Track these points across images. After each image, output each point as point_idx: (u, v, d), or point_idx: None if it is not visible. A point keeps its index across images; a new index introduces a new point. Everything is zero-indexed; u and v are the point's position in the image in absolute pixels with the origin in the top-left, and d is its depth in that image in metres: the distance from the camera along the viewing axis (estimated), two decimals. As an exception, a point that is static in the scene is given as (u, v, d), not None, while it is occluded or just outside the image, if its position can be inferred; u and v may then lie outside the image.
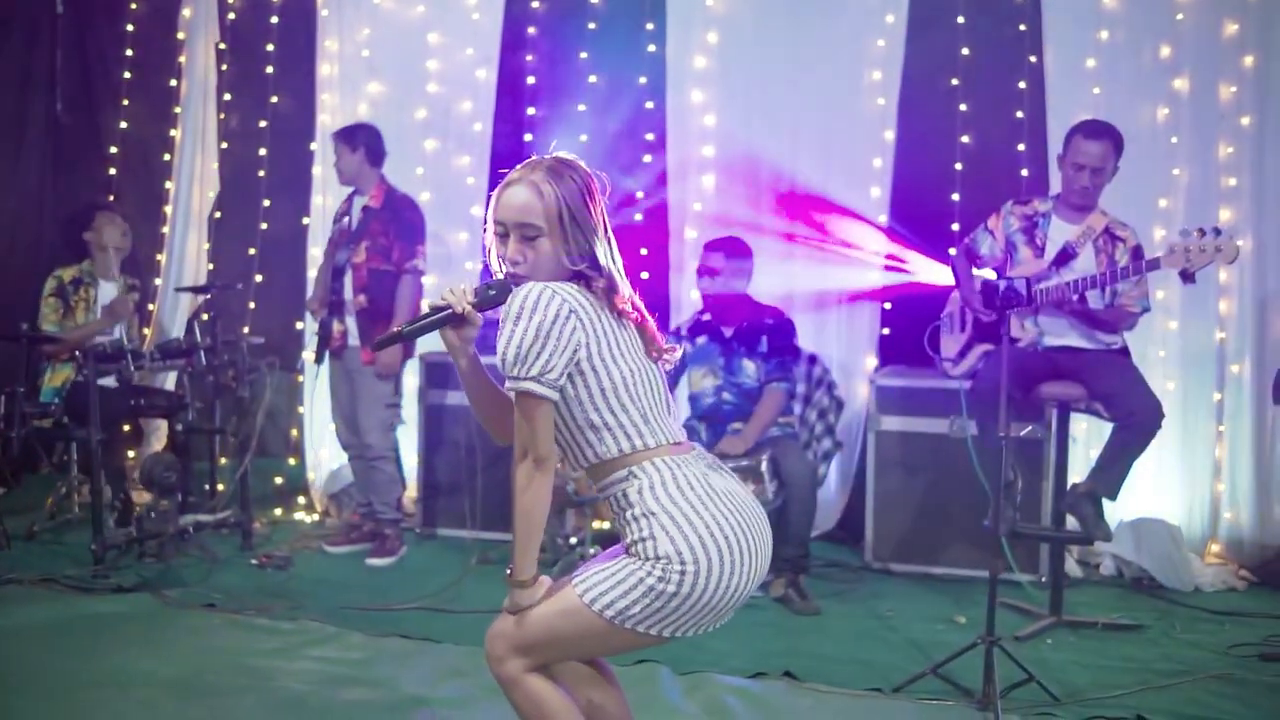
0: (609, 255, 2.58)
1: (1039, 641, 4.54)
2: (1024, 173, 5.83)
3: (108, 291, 6.01)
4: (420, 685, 3.98)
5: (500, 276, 2.60)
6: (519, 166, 2.59)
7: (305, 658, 4.19)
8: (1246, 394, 5.59)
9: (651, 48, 6.33)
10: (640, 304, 2.64)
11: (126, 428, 6.53)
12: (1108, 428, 4.79)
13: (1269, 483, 5.58)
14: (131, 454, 6.58)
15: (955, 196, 5.94)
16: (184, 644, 4.31)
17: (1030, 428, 4.69)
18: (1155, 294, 5.08)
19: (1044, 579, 5.23)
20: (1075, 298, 4.54)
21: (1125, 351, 4.78)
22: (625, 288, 2.59)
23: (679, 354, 2.74)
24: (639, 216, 6.34)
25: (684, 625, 2.51)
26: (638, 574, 2.47)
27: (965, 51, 5.93)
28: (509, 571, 2.56)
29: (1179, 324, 5.66)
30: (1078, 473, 5.03)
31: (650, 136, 6.35)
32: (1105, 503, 4.60)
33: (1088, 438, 5.60)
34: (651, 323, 2.66)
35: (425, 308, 2.64)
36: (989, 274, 4.72)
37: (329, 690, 3.91)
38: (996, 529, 3.89)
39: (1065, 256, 4.68)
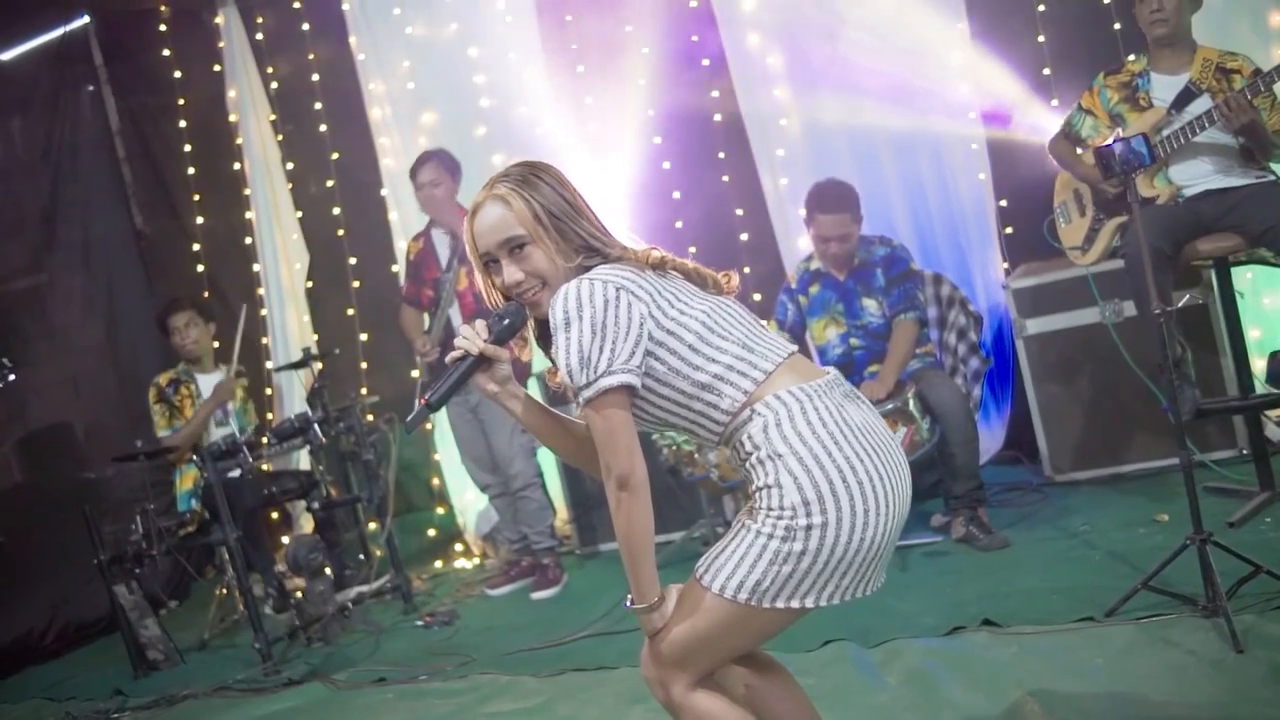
0: (604, 237, 2.36)
1: (1256, 523, 4.12)
2: (1116, 26, 5.31)
3: (209, 384, 5.92)
4: (609, 714, 3.75)
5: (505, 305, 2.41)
6: (482, 188, 2.39)
7: (482, 716, 3.99)
8: None
9: (694, 3, 6.01)
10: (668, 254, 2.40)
11: (275, 515, 6.47)
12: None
13: None
14: (285, 540, 6.53)
15: (1047, 71, 5.49)
16: (358, 728, 4.17)
17: (1187, 296, 4.22)
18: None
19: (1244, 451, 4.78)
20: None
21: (1277, 182, 4.28)
22: (642, 245, 2.39)
23: (735, 280, 2.48)
24: (726, 179, 6.03)
25: (827, 589, 2.23)
26: (760, 540, 2.21)
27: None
28: (629, 601, 2.33)
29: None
30: (1256, 331, 4.57)
31: (716, 94, 6.03)
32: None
33: (1255, 289, 5.11)
34: (691, 262, 2.43)
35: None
36: (1113, 137, 4.28)
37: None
38: (1179, 414, 3.46)
39: (1187, 96, 4.19)
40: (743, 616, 2.25)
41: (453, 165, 5.50)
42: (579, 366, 2.20)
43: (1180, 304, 4.10)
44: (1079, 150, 4.59)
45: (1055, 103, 5.43)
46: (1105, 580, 3.85)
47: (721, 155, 6.05)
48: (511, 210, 2.32)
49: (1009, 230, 5.63)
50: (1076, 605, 3.69)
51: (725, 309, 2.36)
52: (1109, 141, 3.67)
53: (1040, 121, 5.45)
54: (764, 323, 2.43)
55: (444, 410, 5.55)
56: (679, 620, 2.31)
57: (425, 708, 4.20)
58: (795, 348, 2.38)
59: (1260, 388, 4.34)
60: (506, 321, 2.39)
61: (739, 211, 6.04)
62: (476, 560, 6.28)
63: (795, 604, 2.23)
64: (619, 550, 2.31)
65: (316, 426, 5.34)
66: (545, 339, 2.48)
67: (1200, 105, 4.15)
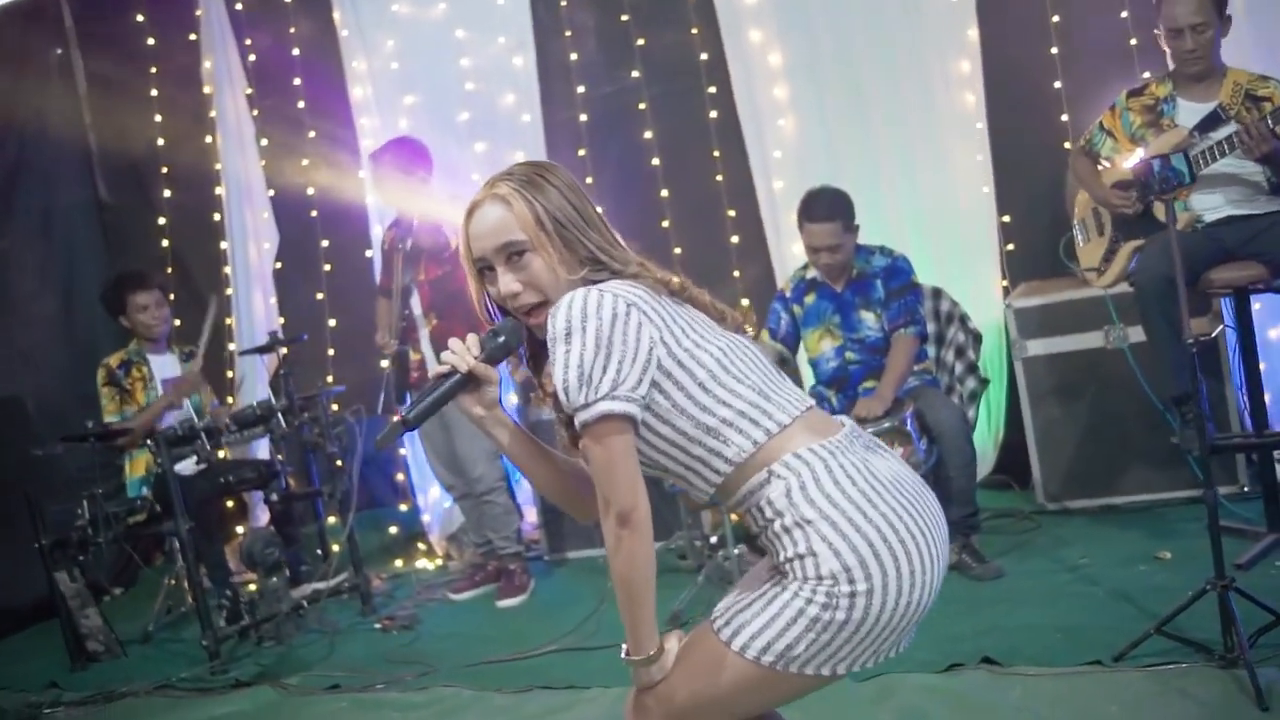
0: (613, 250, 2.12)
1: (1266, 566, 3.93)
2: (1133, 41, 5.14)
3: (163, 366, 5.63)
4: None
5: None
6: (482, 187, 2.15)
7: (440, 734, 3.77)
8: None
9: (694, -6, 5.80)
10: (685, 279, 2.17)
11: (230, 504, 6.19)
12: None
13: None
14: (241, 530, 6.25)
15: (1057, 84, 5.29)
16: (309, 739, 3.91)
17: (1220, 328, 4.01)
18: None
19: (1245, 488, 4.61)
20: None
21: None
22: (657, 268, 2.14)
23: (752, 321, 2.24)
24: (719, 178, 5.80)
25: (860, 656, 2.00)
26: (795, 603, 1.96)
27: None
28: (624, 652, 2.07)
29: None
30: (1262, 364, 4.38)
31: (713, 90, 5.80)
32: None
33: (1260, 321, 4.92)
34: (709, 295, 2.19)
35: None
36: (1135, 156, 4.08)
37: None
38: (1202, 449, 3.26)
39: (1214, 121, 3.99)
40: (763, 681, 2.01)
41: (410, 155, 5.22)
42: (577, 384, 1.95)
43: (1213, 334, 3.90)
44: (1099, 167, 4.39)
45: (1065, 117, 5.24)
46: (1109, 620, 3.65)
47: (716, 154, 5.82)
48: (512, 213, 2.08)
49: (1010, 247, 5.44)
50: (1082, 647, 3.47)
51: (743, 349, 2.12)
52: (1146, 157, 3.46)
53: (1049, 137, 5.27)
54: (782, 373, 2.18)
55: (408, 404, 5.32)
56: (683, 675, 2.06)
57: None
58: (812, 401, 2.15)
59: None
60: (501, 339, 2.14)
61: (731, 213, 5.81)
62: (439, 562, 6.02)
63: (826, 671, 1.99)
64: (615, 594, 2.03)
65: (280, 415, 5.07)
66: (536, 360, 2.24)
67: (1225, 131, 3.95)
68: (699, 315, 2.13)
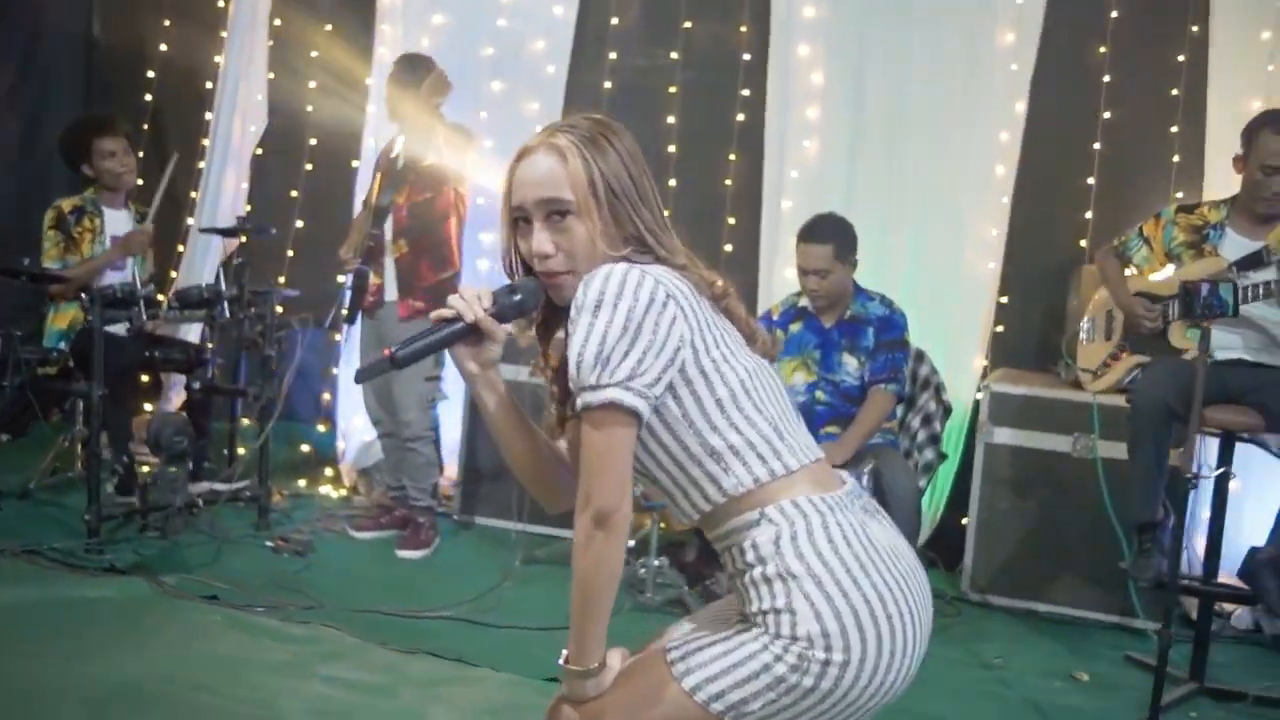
0: (661, 235, 1.94)
1: (1181, 715, 3.82)
2: (1175, 159, 5.05)
3: (117, 222, 5.34)
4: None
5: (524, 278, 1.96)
6: (539, 131, 1.95)
7: (317, 677, 3.54)
8: None
9: (755, -9, 5.61)
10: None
11: (145, 378, 5.90)
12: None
13: None
14: (148, 407, 5.96)
15: (1090, 180, 5.18)
16: (176, 648, 3.67)
17: (1223, 470, 3.89)
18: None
19: (1170, 629, 4.51)
20: None
21: None
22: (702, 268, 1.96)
23: (780, 347, 2.06)
24: (729, 182, 5.62)
25: None
26: (763, 656, 1.79)
27: (1115, 14, 5.14)
28: (564, 658, 1.88)
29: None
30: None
31: (746, 92, 5.61)
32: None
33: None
34: (744, 308, 2.01)
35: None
36: (1165, 272, 3.96)
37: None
38: (1171, 587, 3.13)
39: (1255, 261, 3.86)
40: None
41: (413, 68, 4.98)
42: (593, 361, 1.77)
43: (1216, 473, 3.78)
44: (1127, 272, 4.28)
45: (1089, 215, 5.14)
46: (1020, 730, 3.53)
47: (732, 157, 5.63)
48: (566, 169, 1.89)
49: (1000, 329, 5.31)
50: (991, 751, 3.34)
51: (769, 377, 1.95)
52: (1185, 279, 3.33)
53: (1068, 230, 5.16)
54: (800, 416, 2.00)
55: (357, 327, 5.10)
56: (621, 697, 1.88)
57: (254, 646, 3.74)
58: (822, 454, 1.98)
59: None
60: (518, 298, 1.94)
61: (731, 220, 5.64)
62: (344, 492, 5.80)
63: None
64: (572, 594, 1.84)
65: (226, 303, 4.81)
66: (547, 326, 2.05)
67: (1263, 275, 3.83)
68: (731, 329, 1.96)
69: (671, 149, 5.67)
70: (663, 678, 1.85)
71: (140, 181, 5.61)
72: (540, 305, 1.98)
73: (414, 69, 4.97)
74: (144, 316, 4.72)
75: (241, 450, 5.45)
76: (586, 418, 1.80)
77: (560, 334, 2.00)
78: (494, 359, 1.98)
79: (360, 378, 1.93)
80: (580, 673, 1.87)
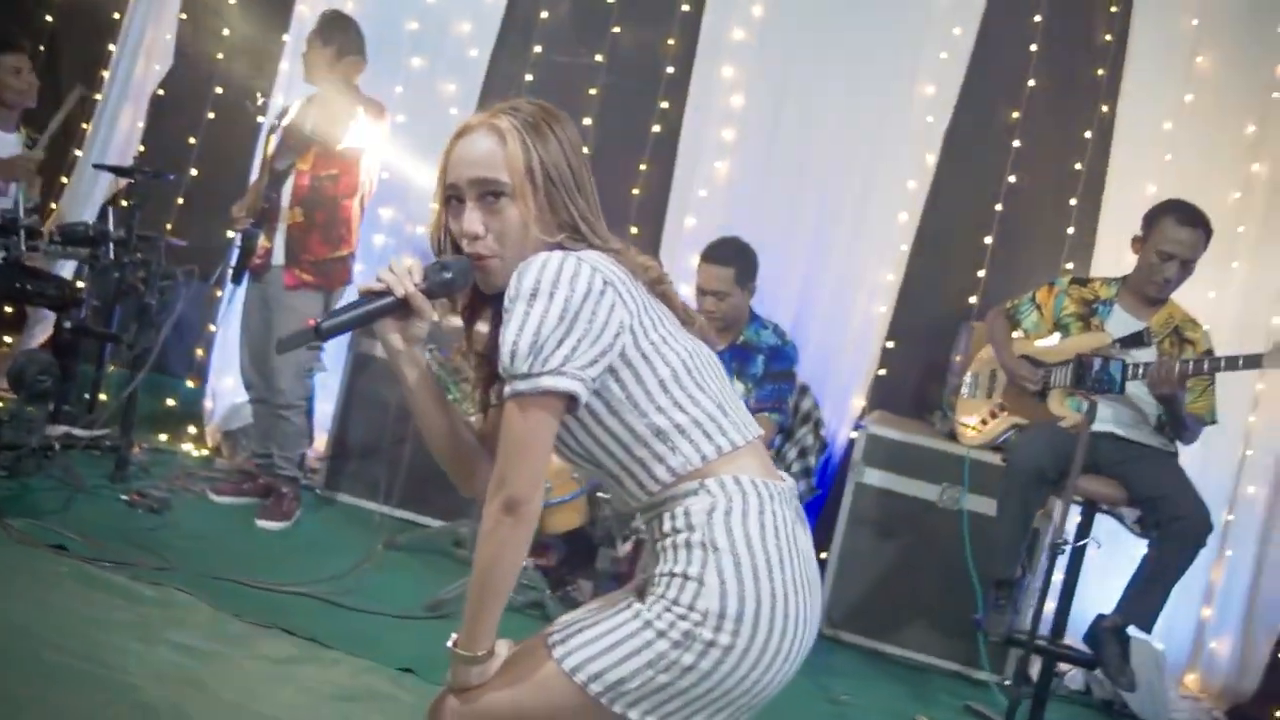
0: (595, 223, 1.96)
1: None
2: (1070, 230, 5.21)
3: (4, 144, 5.11)
4: (296, 710, 3.24)
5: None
6: (479, 112, 1.95)
7: (164, 642, 3.42)
8: (1257, 518, 5.02)
9: (686, 7, 5.61)
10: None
11: (8, 309, 5.67)
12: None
13: (1258, 617, 5.01)
14: (8, 341, 5.73)
15: (988, 240, 5.32)
16: (18, 597, 3.51)
17: (1091, 540, 3.99)
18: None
19: (1008, 681, 4.64)
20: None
21: (1176, 455, 4.15)
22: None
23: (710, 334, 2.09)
24: (636, 191, 5.62)
25: (688, 716, 1.84)
26: (645, 634, 1.81)
27: (1032, 83, 5.29)
28: (453, 641, 1.87)
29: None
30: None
31: (665, 105, 5.62)
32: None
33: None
34: (679, 294, 2.04)
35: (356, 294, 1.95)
36: (1051, 340, 4.08)
37: (186, 699, 3.14)
38: (1028, 645, 3.22)
39: (1136, 340, 3.99)
40: (582, 711, 1.84)
41: (332, 30, 4.87)
42: (527, 351, 1.76)
43: (1081, 543, 3.88)
44: (1014, 334, 4.39)
45: (982, 273, 5.27)
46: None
47: (643, 167, 5.64)
48: (504, 151, 1.89)
49: (883, 372, 5.41)
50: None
51: (708, 358, 1.98)
52: (1090, 354, 3.44)
53: (961, 285, 5.28)
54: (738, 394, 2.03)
55: (242, 287, 4.97)
56: (502, 683, 1.88)
57: (100, 602, 3.60)
58: (762, 431, 2.01)
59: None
60: (448, 275, 1.93)
61: (634, 229, 5.63)
62: (207, 453, 5.64)
63: None
64: (470, 581, 1.85)
65: (110, 244, 4.64)
66: (472, 310, 2.04)
67: (1143, 355, 3.98)
68: (669, 312, 1.98)
69: (585, 150, 5.63)
70: (540, 658, 1.87)
71: (32, 105, 5.38)
72: (469, 285, 1.97)
73: (332, 31, 4.86)
74: (22, 247, 4.52)
75: (103, 397, 5.27)
76: (514, 404, 1.79)
77: (485, 319, 2.00)
78: (420, 335, 1.96)
79: (281, 348, 1.88)
80: (468, 658, 1.86)
